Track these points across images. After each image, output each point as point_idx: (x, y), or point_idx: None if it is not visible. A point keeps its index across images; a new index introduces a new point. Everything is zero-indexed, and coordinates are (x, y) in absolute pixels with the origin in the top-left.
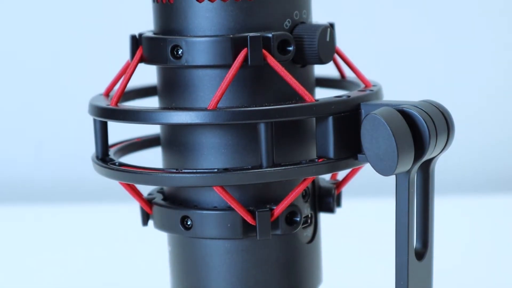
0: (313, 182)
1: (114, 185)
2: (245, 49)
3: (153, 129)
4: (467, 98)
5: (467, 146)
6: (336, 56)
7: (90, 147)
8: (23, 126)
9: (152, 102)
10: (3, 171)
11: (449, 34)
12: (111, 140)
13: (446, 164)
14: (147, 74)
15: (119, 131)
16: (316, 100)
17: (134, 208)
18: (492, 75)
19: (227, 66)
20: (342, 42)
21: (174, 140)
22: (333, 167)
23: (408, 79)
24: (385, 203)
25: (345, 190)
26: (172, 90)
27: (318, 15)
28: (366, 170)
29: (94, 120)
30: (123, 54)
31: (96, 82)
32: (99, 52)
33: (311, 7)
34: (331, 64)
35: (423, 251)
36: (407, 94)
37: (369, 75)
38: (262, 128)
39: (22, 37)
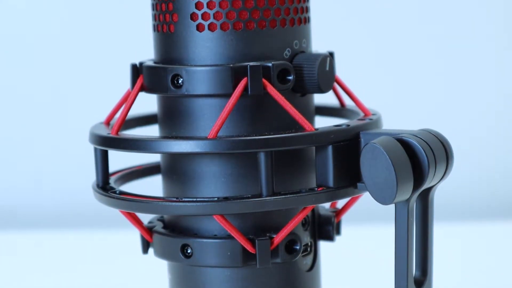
0: (313, 210)
1: (115, 213)
2: (245, 78)
3: (153, 157)
4: (464, 125)
5: (465, 172)
6: (336, 85)
7: (90, 173)
8: (24, 152)
9: (153, 130)
10: (3, 197)
11: (448, 63)
12: (112, 166)
13: (444, 190)
14: (147, 102)
15: (120, 158)
16: (316, 129)
17: (134, 235)
18: (490, 101)
19: (227, 95)
20: (341, 70)
21: (175, 169)
22: (333, 196)
23: (407, 107)
24: (384, 230)
25: (344, 216)
26: (173, 118)
27: (318, 43)
28: (366, 197)
29: (95, 149)
30: (124, 82)
31: (97, 110)
32: (100, 80)
33: (311, 36)
34: (330, 92)
35: (422, 279)
36: (406, 122)
37: (368, 103)
38: (262, 157)
39: (23, 65)
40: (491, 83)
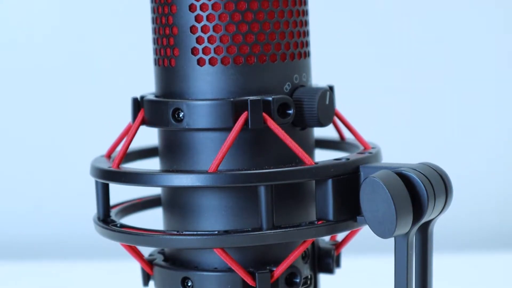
0: (313, 243)
1: (115, 244)
2: (246, 112)
3: (154, 190)
4: (463, 157)
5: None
6: (336, 118)
7: (90, 204)
8: (25, 184)
9: (153, 163)
10: (3, 227)
11: (446, 97)
12: (113, 198)
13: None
14: (148, 135)
15: (120, 190)
16: (316, 163)
17: (134, 267)
18: (490, 134)
19: (228, 129)
20: (341, 103)
21: (175, 202)
22: (333, 229)
23: (406, 140)
24: (384, 262)
25: (344, 247)
26: (173, 152)
27: (318, 77)
28: (366, 228)
29: (96, 182)
30: (125, 115)
31: (98, 142)
32: (101, 112)
33: (311, 70)
34: (330, 125)
35: None
36: (405, 155)
37: (368, 136)
38: (262, 190)
39: (25, 95)
40: (490, 116)
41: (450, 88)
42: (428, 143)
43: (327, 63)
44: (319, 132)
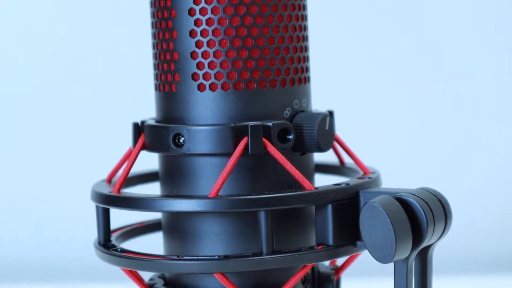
0: (313, 267)
1: (116, 268)
2: (246, 137)
3: (154, 214)
4: (463, 181)
5: (463, 226)
6: (335, 143)
7: (91, 228)
8: (25, 208)
9: (154, 188)
10: (4, 250)
11: (446, 123)
12: (113, 222)
13: (443, 244)
14: (148, 159)
15: (121, 214)
16: (316, 188)
17: None
18: (489, 158)
19: (228, 155)
20: (341, 128)
21: (175, 227)
22: (333, 254)
23: (405, 165)
24: (383, 286)
25: (344, 272)
26: (174, 177)
27: (318, 101)
28: (365, 252)
29: (97, 207)
30: (126, 139)
31: (98, 166)
32: (102, 137)
33: (311, 95)
34: (330, 150)
35: None
36: (404, 180)
37: (367, 160)
38: (262, 216)
39: (25, 119)
40: (488, 139)
41: (448, 114)
42: (427, 167)
43: (327, 87)
44: (319, 157)
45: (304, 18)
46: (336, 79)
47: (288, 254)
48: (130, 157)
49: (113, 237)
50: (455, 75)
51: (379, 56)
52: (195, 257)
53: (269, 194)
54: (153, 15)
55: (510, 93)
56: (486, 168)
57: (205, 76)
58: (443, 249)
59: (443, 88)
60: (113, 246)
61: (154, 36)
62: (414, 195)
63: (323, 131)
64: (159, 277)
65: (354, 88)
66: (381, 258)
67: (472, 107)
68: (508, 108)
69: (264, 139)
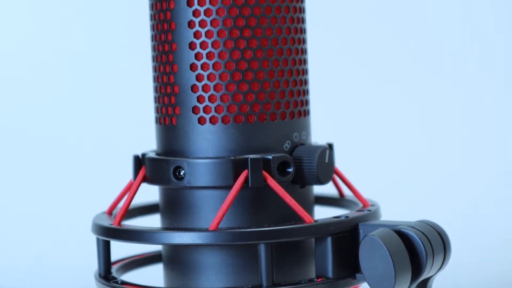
0: None
1: None
2: (246, 170)
3: (155, 246)
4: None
5: (462, 256)
6: (335, 176)
7: (91, 260)
8: (24, 239)
9: (154, 219)
10: (3, 282)
11: (446, 155)
12: (114, 253)
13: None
14: (148, 190)
15: (121, 246)
16: (315, 221)
17: None
18: (489, 188)
19: (228, 187)
20: (340, 160)
21: (176, 259)
22: (332, 287)
23: (405, 197)
24: None
25: None
26: (174, 209)
27: (318, 134)
28: (364, 285)
29: (97, 239)
30: (126, 171)
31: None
32: (102, 169)
33: (311, 128)
34: (330, 182)
35: None
36: (404, 212)
37: (366, 192)
38: (262, 248)
39: (25, 151)
40: (488, 168)
41: (445, 145)
42: (426, 198)
43: (326, 119)
44: (318, 188)
45: (304, 51)
46: (336, 111)
47: (288, 287)
48: (130, 190)
49: (114, 269)
50: (453, 107)
51: (378, 90)
52: None
53: (269, 227)
54: (154, 48)
55: (504, 118)
56: (484, 197)
57: (206, 110)
58: (443, 280)
59: (440, 121)
60: (114, 278)
61: (155, 69)
62: (413, 227)
63: (322, 164)
64: None
65: (354, 120)
66: None
67: (470, 135)
68: (505, 133)
69: (264, 172)
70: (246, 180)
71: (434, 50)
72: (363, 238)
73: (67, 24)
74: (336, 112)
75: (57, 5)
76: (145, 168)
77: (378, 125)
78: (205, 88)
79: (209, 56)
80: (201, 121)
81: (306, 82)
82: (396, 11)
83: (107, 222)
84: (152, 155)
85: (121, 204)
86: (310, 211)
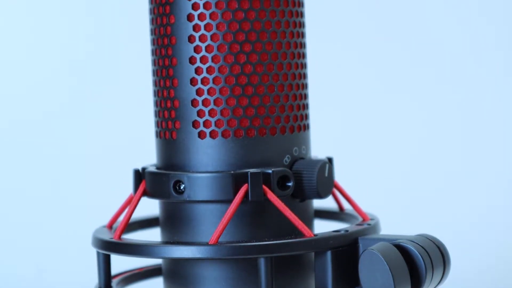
0: None
1: None
2: (246, 185)
3: (155, 260)
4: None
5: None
6: (335, 189)
7: (91, 274)
8: (24, 253)
9: (154, 233)
10: None
11: (444, 167)
12: (114, 266)
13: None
14: (148, 203)
15: (121, 259)
16: (315, 235)
17: None
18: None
19: (228, 201)
20: (340, 174)
21: (176, 272)
22: None
23: (404, 211)
24: None
25: None
26: (174, 223)
27: (317, 148)
28: None
29: (98, 253)
30: (127, 184)
31: (99, 212)
32: (103, 183)
33: (310, 142)
34: (330, 196)
35: None
36: (403, 225)
37: (366, 206)
38: (262, 262)
39: (26, 165)
40: (487, 183)
41: (445, 159)
42: (426, 212)
43: (326, 133)
44: (318, 202)
45: (303, 66)
46: (335, 125)
47: None
48: (131, 204)
49: (114, 282)
50: (452, 125)
51: (378, 104)
52: None
53: (269, 241)
54: (154, 62)
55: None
56: (484, 212)
57: (206, 124)
58: None
59: (439, 136)
60: None
61: (155, 83)
62: (413, 241)
63: (322, 178)
64: None
65: (353, 134)
66: None
67: (470, 150)
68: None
69: (264, 186)
70: (246, 194)
71: (434, 64)
72: (362, 252)
73: (69, 36)
74: (336, 126)
75: (58, 22)
76: (146, 182)
77: (377, 139)
78: (205, 103)
79: (209, 70)
80: (201, 135)
81: (305, 96)
82: (394, 30)
83: (107, 236)
84: (152, 169)
85: (121, 218)
86: (309, 225)
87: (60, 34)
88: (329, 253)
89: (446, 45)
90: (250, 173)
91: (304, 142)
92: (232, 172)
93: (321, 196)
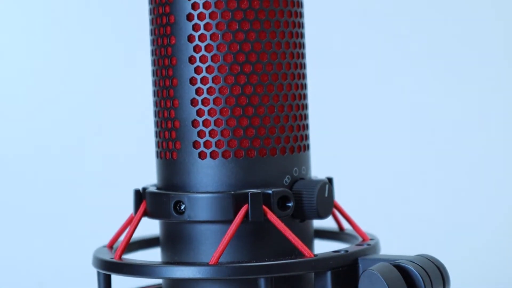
0: None
1: None
2: (246, 205)
3: (155, 279)
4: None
5: None
6: (335, 209)
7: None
8: (24, 273)
9: (155, 253)
10: None
11: (445, 188)
12: (114, 285)
13: None
14: (148, 223)
15: (121, 278)
16: (315, 255)
17: None
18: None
19: (229, 222)
20: (340, 194)
21: None
22: None
23: (404, 231)
24: None
25: None
26: (174, 243)
27: (317, 167)
28: None
29: (98, 273)
30: (127, 205)
31: (100, 232)
32: (103, 203)
33: (310, 162)
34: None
35: None
36: (403, 246)
37: (365, 223)
38: (262, 283)
39: (28, 182)
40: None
41: (446, 179)
42: (426, 233)
43: (326, 154)
44: (318, 222)
45: (304, 86)
46: (336, 146)
47: None
48: (131, 224)
49: None
50: (453, 145)
51: (378, 125)
52: None
53: (269, 261)
54: (155, 83)
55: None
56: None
57: (206, 144)
58: None
59: (439, 156)
60: None
61: (156, 104)
62: (412, 262)
63: (322, 199)
64: None
65: (353, 155)
66: None
67: (470, 170)
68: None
69: (264, 207)
70: (246, 215)
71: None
72: (362, 272)
73: (68, 59)
74: (336, 146)
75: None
76: (146, 202)
77: (377, 160)
78: (205, 123)
79: (209, 91)
80: (201, 155)
81: (306, 117)
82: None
83: (108, 256)
84: (153, 189)
85: (122, 238)
86: (309, 245)
87: (61, 55)
88: (329, 274)
89: (441, 53)
90: (251, 193)
91: (304, 163)
92: (232, 192)
93: (321, 216)
